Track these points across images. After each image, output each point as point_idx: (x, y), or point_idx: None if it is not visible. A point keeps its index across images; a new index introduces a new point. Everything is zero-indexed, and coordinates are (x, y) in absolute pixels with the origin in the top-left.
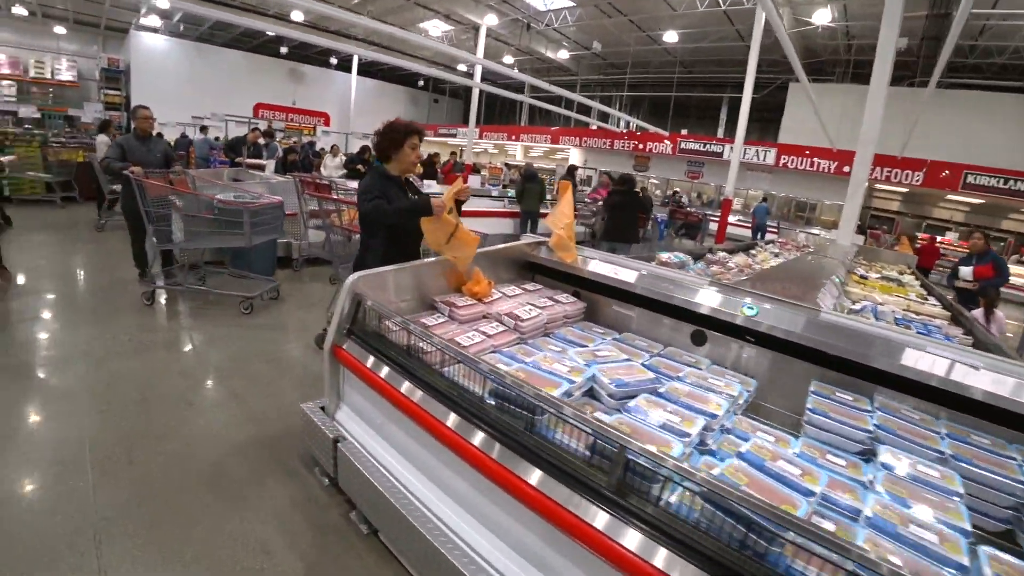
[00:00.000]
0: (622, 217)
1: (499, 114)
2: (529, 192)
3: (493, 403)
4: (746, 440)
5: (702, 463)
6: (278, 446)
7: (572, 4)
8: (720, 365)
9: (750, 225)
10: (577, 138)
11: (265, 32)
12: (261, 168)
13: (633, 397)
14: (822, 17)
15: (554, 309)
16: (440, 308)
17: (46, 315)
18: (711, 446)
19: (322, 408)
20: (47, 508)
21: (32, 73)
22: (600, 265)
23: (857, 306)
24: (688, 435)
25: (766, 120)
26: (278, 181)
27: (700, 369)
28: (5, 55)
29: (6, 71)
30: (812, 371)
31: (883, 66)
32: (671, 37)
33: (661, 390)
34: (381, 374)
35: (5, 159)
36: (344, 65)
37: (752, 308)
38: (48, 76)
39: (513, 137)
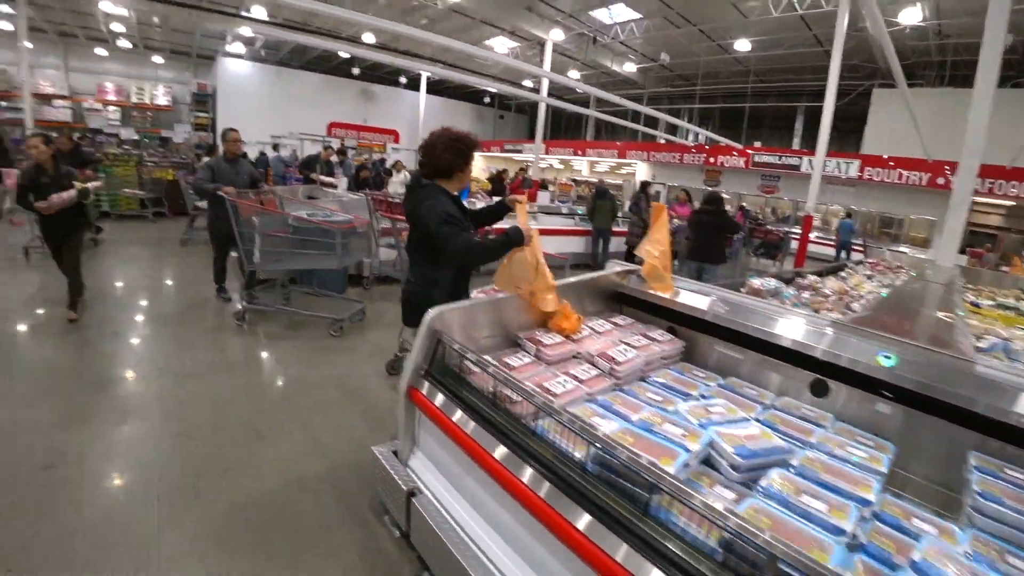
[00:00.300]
0: (708, 237)
1: (565, 129)
2: (600, 209)
3: (596, 471)
4: (909, 535)
5: (857, 566)
6: (348, 486)
7: (639, 16)
8: (846, 422)
9: (833, 243)
10: (645, 152)
11: (338, 55)
12: (334, 186)
13: (760, 470)
14: (910, 16)
15: (650, 349)
16: (525, 346)
17: (130, 329)
18: (860, 537)
19: (395, 452)
20: (110, 540)
21: (134, 99)
22: (698, 298)
23: (983, 343)
24: (843, 531)
25: (845, 131)
26: (350, 198)
27: (825, 428)
28: (112, 83)
29: (112, 98)
30: (961, 435)
31: (989, 66)
32: (743, 46)
33: (794, 463)
34: (461, 423)
35: (92, 185)
36: (413, 84)
37: (889, 357)
38: (147, 101)
39: (579, 152)
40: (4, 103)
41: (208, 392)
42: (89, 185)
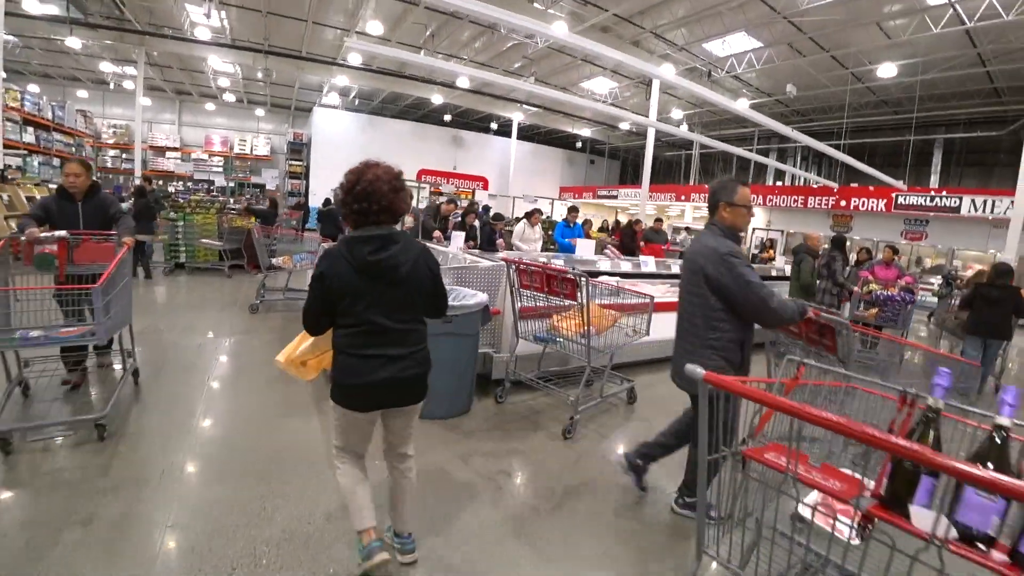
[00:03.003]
0: (1001, 312)
1: (662, 174)
2: (796, 276)
3: None
4: None
5: None
6: None
7: (759, 45)
8: None
9: None
10: (759, 196)
11: (430, 102)
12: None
13: None
14: None
15: None
16: None
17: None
18: None
19: None
20: None
21: (236, 149)
22: None
23: None
24: None
25: (988, 164)
26: (488, 265)
27: None
28: (218, 135)
29: (217, 148)
30: None
31: None
32: (888, 71)
33: None
34: None
35: None
36: (503, 130)
37: None
38: (248, 151)
39: (682, 197)
40: (124, 155)
41: None
42: None
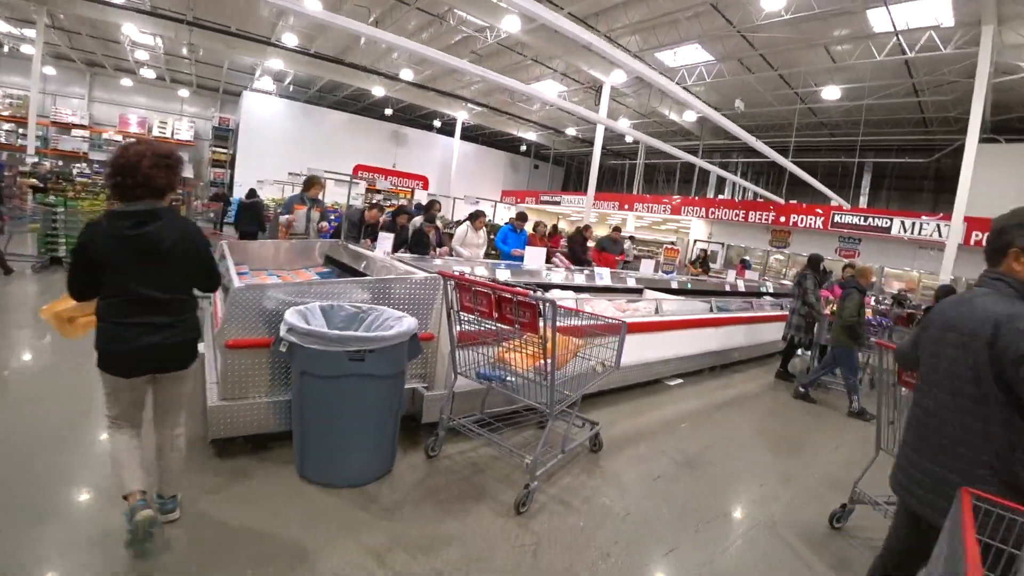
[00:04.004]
0: None
1: (605, 182)
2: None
3: None
4: None
5: None
6: None
7: (710, 59)
8: None
9: None
10: (702, 208)
11: (371, 94)
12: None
13: None
14: None
15: None
16: None
17: None
18: None
19: None
20: None
21: (156, 132)
22: None
23: None
24: None
25: (912, 189)
26: (421, 277)
27: None
28: (136, 115)
29: (134, 129)
30: None
31: None
32: (832, 94)
33: None
34: None
35: None
36: (447, 129)
37: None
38: (169, 135)
39: (626, 206)
40: (21, 129)
41: None
42: None
